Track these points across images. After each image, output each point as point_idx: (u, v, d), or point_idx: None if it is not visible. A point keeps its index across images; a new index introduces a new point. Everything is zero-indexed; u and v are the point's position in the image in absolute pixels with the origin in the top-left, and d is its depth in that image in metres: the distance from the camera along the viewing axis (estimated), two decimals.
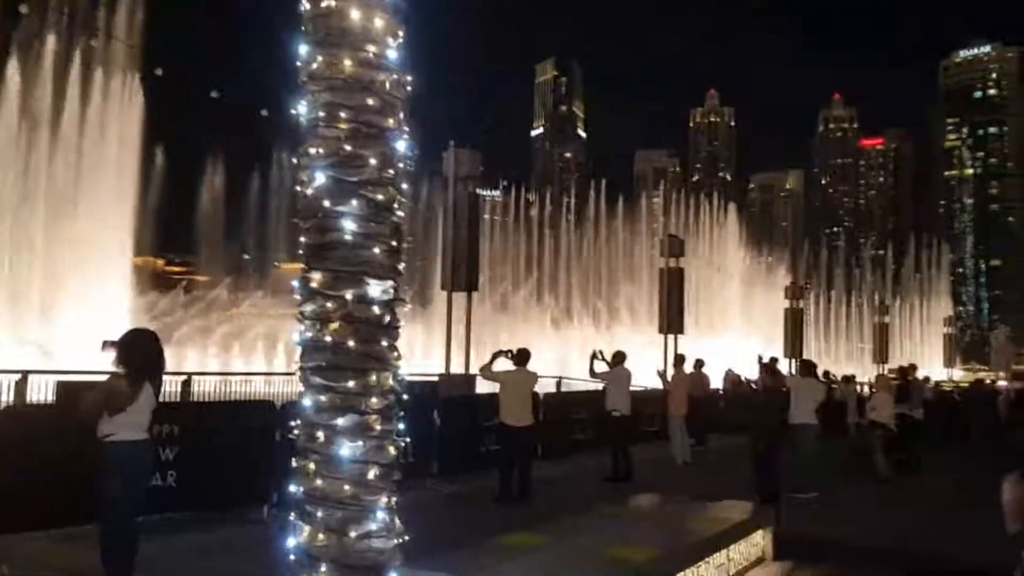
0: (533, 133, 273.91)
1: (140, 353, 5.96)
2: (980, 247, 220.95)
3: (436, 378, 17.03)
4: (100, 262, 31.57)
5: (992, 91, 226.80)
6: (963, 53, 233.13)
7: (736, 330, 57.99)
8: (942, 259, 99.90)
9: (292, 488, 4.32)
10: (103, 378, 6.19)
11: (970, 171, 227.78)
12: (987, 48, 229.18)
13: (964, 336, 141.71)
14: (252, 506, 9.13)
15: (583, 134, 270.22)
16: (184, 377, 13.31)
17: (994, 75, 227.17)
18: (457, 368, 17.91)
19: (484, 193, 20.85)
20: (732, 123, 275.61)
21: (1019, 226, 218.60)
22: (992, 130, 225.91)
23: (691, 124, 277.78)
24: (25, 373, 12.71)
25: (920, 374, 23.16)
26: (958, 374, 58.24)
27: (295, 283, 4.41)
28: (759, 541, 7.72)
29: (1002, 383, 40.37)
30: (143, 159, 34.26)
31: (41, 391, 12.39)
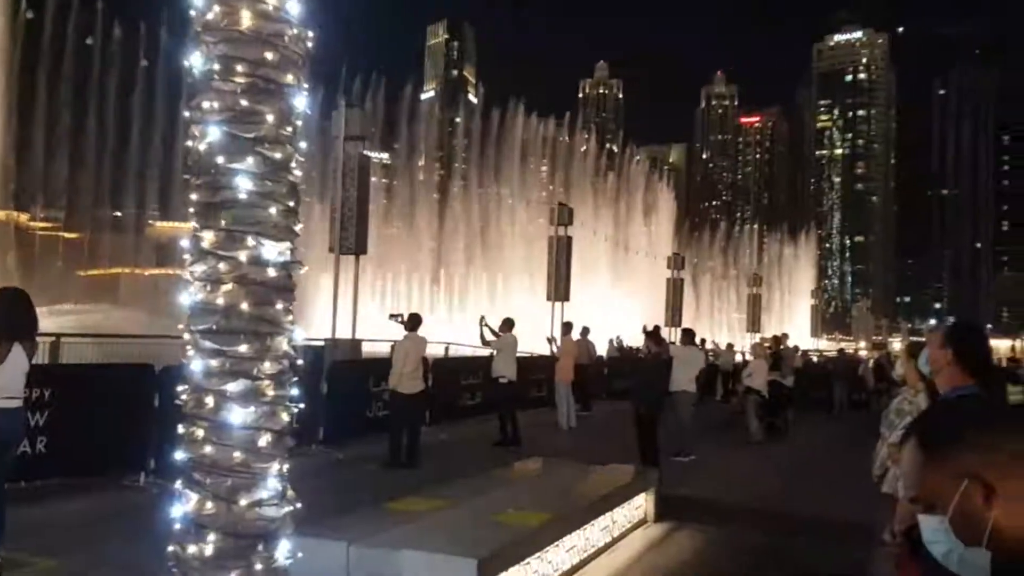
0: (424, 96, 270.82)
1: (6, 314, 5.59)
2: (846, 224, 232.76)
3: (322, 343, 16.76)
4: None
5: (862, 75, 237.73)
6: (836, 37, 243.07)
7: (620, 299, 59.34)
8: (811, 234, 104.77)
9: (178, 455, 4.17)
10: None
11: (839, 151, 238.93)
12: (859, 33, 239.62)
13: (829, 308, 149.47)
14: (129, 472, 8.80)
15: (474, 99, 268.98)
16: (53, 339, 12.61)
17: (864, 60, 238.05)
18: (344, 333, 17.67)
19: (373, 155, 20.50)
20: (620, 95, 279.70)
21: (882, 205, 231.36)
22: (860, 113, 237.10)
23: (580, 95, 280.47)
24: None
25: (790, 343, 24.37)
26: (823, 344, 61.44)
27: (184, 242, 4.23)
28: (642, 503, 7.98)
29: (863, 352, 42.80)
30: (6, 108, 32.11)
31: None
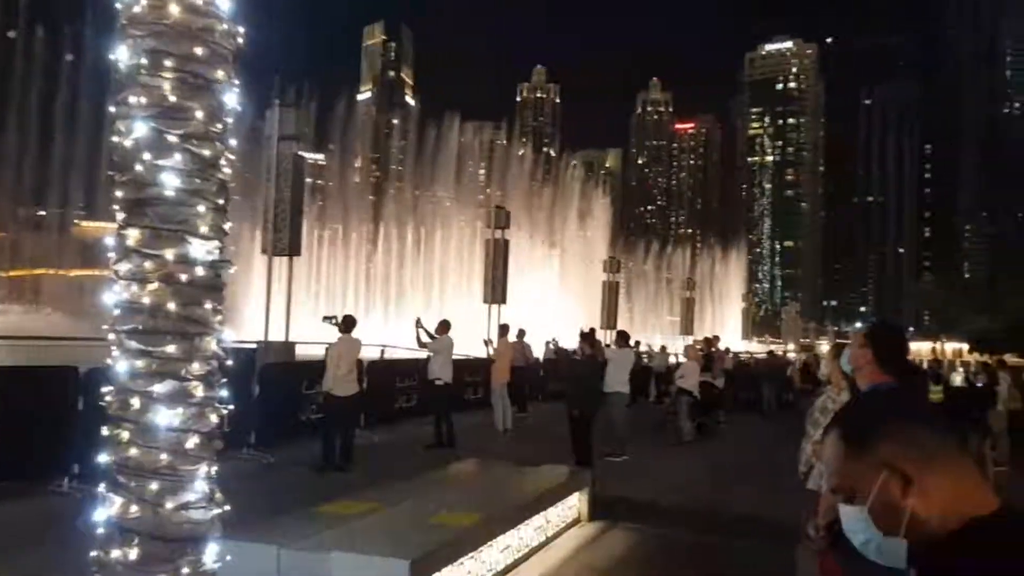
0: (360, 97, 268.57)
1: None
2: (776, 229, 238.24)
3: (254, 345, 16.50)
4: None
5: (792, 84, 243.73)
6: (768, 47, 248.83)
7: (557, 302, 59.69)
8: (742, 239, 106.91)
9: (102, 458, 4.06)
10: None
11: (770, 158, 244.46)
12: (789, 43, 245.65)
13: (760, 311, 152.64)
14: (53, 478, 8.53)
15: (412, 101, 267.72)
16: None
17: (794, 69, 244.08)
18: (277, 336, 17.43)
19: (307, 155, 20.25)
20: (557, 99, 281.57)
21: (810, 211, 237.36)
22: (791, 121, 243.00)
23: (518, 98, 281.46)
24: None
25: (721, 346, 24.84)
26: (754, 346, 62.72)
27: (109, 240, 4.13)
28: (575, 503, 8.05)
29: (792, 355, 43.84)
30: None
31: None
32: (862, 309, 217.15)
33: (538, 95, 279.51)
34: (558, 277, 63.58)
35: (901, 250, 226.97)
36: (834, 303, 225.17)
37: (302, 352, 18.31)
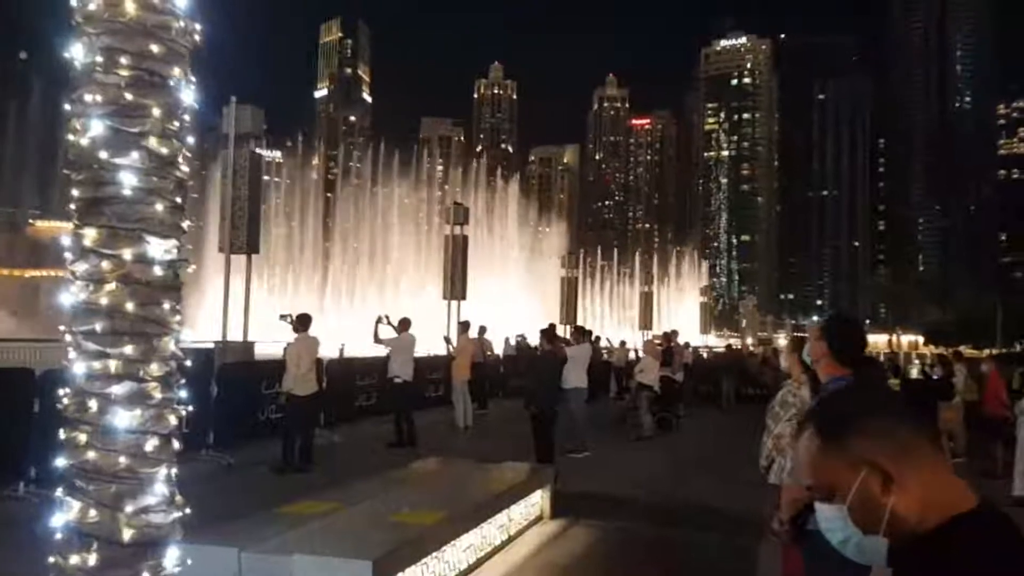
0: (317, 94, 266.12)
1: None
2: (732, 223, 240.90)
3: (211, 345, 16.29)
4: None
5: (747, 79, 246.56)
6: (722, 42, 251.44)
7: (515, 297, 59.77)
8: (699, 234, 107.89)
9: (59, 462, 4.00)
10: None
11: (726, 153, 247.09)
12: (743, 39, 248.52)
13: (717, 305, 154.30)
14: (8, 482, 8.36)
15: (368, 98, 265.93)
16: None
17: (749, 65, 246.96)
18: (235, 335, 17.23)
19: (264, 153, 20.05)
20: (515, 96, 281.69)
21: (766, 205, 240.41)
22: (746, 116, 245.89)
23: (475, 95, 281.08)
24: None
25: (680, 340, 25.06)
26: (712, 340, 63.36)
27: (65, 240, 4.06)
28: (538, 501, 8.08)
29: (751, 348, 44.32)
30: None
31: None
32: (818, 302, 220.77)
33: (496, 91, 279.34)
34: (517, 273, 63.64)
35: (856, 243, 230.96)
36: (791, 296, 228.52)
37: (261, 351, 18.12)
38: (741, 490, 8.10)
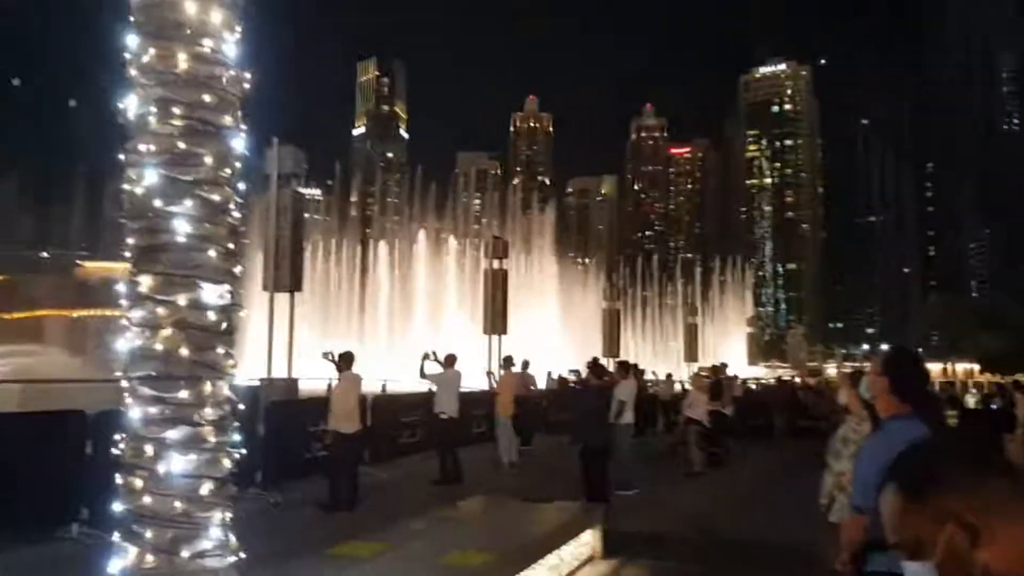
0: (355, 132, 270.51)
1: None
2: (777, 252, 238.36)
3: (257, 382, 16.43)
4: None
5: (788, 106, 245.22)
6: (762, 69, 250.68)
7: (555, 331, 59.58)
8: (744, 263, 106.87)
9: (116, 507, 4.04)
10: None
11: (768, 180, 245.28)
12: (783, 65, 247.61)
13: (764, 335, 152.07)
14: (61, 524, 8.46)
15: (405, 134, 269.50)
16: None
17: (789, 91, 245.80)
18: (279, 372, 17.36)
19: (305, 191, 20.32)
20: (550, 128, 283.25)
21: (811, 233, 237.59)
22: (788, 142, 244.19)
23: (511, 128, 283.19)
24: None
25: (729, 372, 24.73)
26: (760, 371, 62.49)
27: (121, 287, 4.14)
28: (589, 540, 7.96)
29: (798, 379, 43.64)
30: None
31: None
32: (869, 331, 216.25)
33: (531, 124, 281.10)
34: (557, 306, 63.49)
35: (906, 269, 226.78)
36: (840, 325, 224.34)
37: (305, 388, 18.23)
38: (797, 527, 7.92)
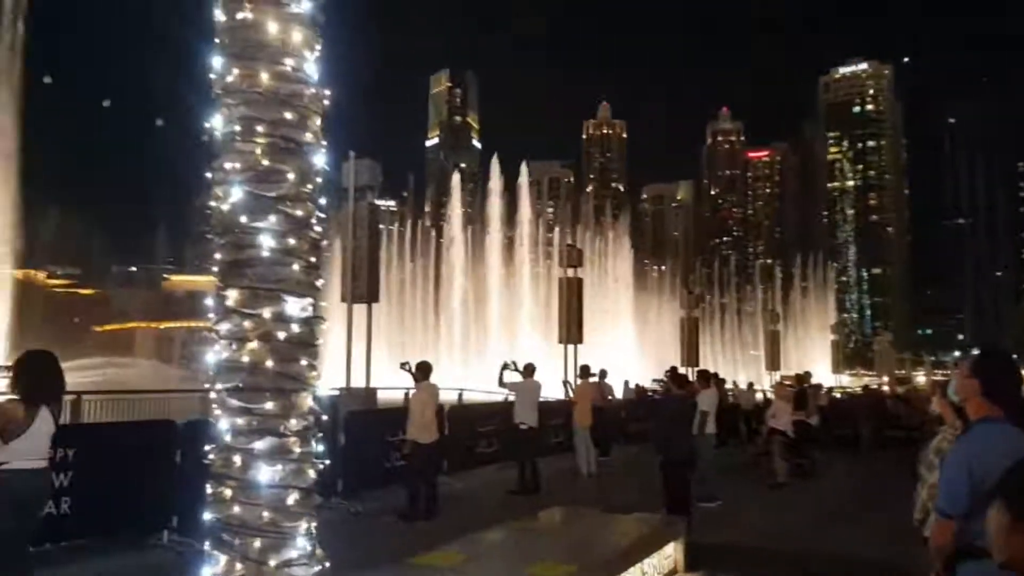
0: (428, 143, 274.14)
1: (35, 377, 5.62)
2: (861, 256, 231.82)
3: (336, 392, 16.71)
4: None
5: (869, 106, 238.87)
6: (841, 70, 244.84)
7: (631, 340, 59.08)
8: (826, 268, 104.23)
9: (206, 516, 4.15)
10: None
11: (851, 183, 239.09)
12: (864, 65, 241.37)
13: (849, 342, 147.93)
14: (152, 531, 8.73)
15: (478, 144, 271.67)
16: (75, 397, 12.60)
17: (871, 91, 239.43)
18: (357, 382, 17.63)
19: (380, 203, 20.64)
20: (624, 135, 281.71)
21: (897, 236, 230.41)
22: (870, 144, 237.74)
23: (584, 136, 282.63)
24: None
25: (813, 381, 24.10)
26: (845, 380, 60.83)
27: (209, 301, 4.26)
28: (671, 553, 7.83)
29: (886, 388, 42.30)
30: (23, 169, 32.80)
31: None
32: (960, 337, 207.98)
33: (604, 131, 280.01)
34: (633, 315, 62.96)
35: (998, 273, 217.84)
36: (928, 331, 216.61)
37: (382, 398, 18.45)
38: (886, 541, 7.67)
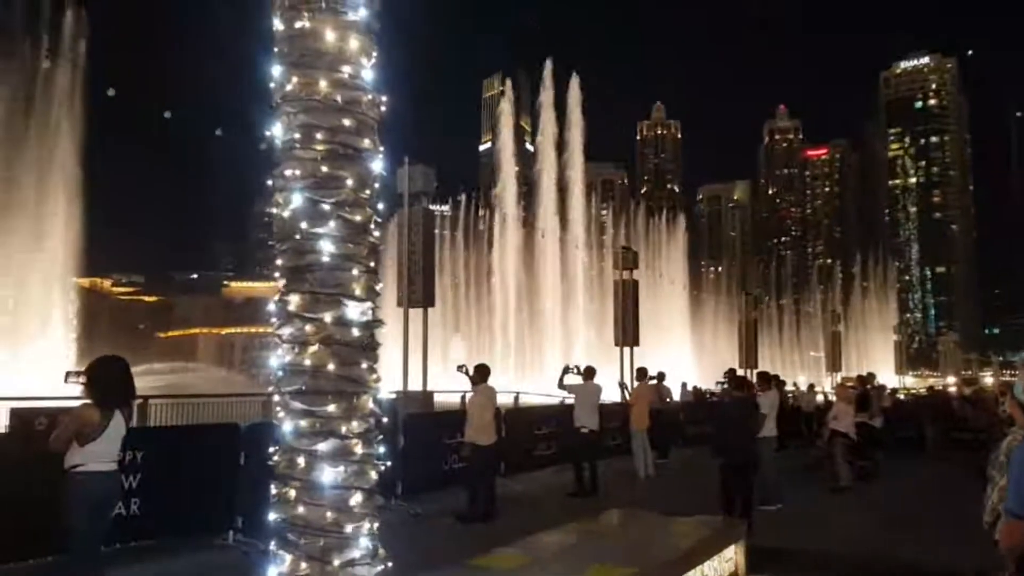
0: (481, 148, 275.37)
1: (108, 381, 5.80)
2: (925, 254, 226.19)
3: (393, 395, 16.88)
4: (46, 285, 31.00)
5: (932, 101, 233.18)
6: (903, 64, 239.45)
7: (688, 341, 58.50)
8: (888, 267, 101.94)
9: (271, 516, 4.23)
10: (69, 405, 6.02)
11: (913, 180, 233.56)
12: (926, 59, 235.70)
13: (912, 343, 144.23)
14: (217, 532, 8.93)
15: (531, 147, 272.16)
16: (141, 401, 12.96)
17: (933, 85, 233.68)
18: (414, 386, 17.79)
19: (435, 208, 20.85)
20: (679, 135, 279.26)
21: (962, 233, 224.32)
22: (934, 139, 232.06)
23: (638, 137, 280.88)
24: None
25: (876, 382, 23.59)
26: (909, 380, 59.43)
27: (271, 306, 4.34)
28: (732, 556, 7.72)
29: (952, 389, 41.17)
30: (87, 179, 33.85)
31: None
32: None
33: (659, 132, 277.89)
34: (689, 317, 62.32)
35: None
36: (996, 331, 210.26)
37: (439, 401, 18.58)
38: (957, 547, 7.46)
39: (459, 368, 12.50)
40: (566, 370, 14.28)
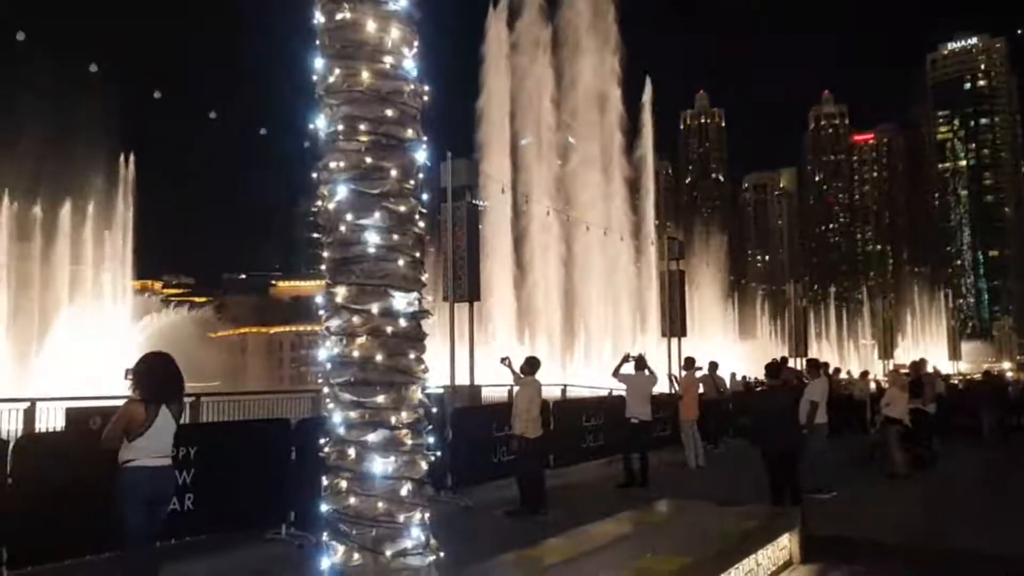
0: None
1: (155, 377, 5.87)
2: (977, 238, 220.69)
3: (441, 390, 16.95)
4: (100, 286, 31.71)
5: (981, 82, 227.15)
6: (951, 45, 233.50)
7: (735, 332, 57.87)
8: (940, 252, 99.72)
9: (323, 507, 4.25)
10: (117, 403, 6.12)
11: (963, 163, 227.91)
12: (974, 40, 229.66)
13: (966, 328, 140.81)
14: (271, 526, 9.04)
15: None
16: (193, 398, 13.18)
17: (983, 66, 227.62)
18: (462, 379, 17.84)
19: (477, 202, 20.85)
20: (723, 124, 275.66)
21: (1015, 216, 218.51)
22: (984, 121, 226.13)
23: (682, 126, 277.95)
24: (33, 401, 12.59)
25: (929, 368, 23.09)
26: (963, 366, 58.11)
27: (319, 299, 4.36)
28: (786, 544, 7.63)
29: (1009, 374, 40.16)
30: (138, 182, 34.55)
31: (50, 419, 12.31)
32: None
33: (702, 121, 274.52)
34: (736, 306, 61.61)
35: None
36: None
37: (486, 395, 18.62)
38: (1017, 535, 7.26)
39: (502, 360, 12.47)
40: (625, 359, 14.14)
